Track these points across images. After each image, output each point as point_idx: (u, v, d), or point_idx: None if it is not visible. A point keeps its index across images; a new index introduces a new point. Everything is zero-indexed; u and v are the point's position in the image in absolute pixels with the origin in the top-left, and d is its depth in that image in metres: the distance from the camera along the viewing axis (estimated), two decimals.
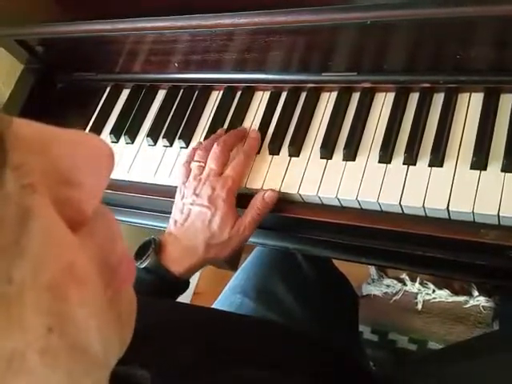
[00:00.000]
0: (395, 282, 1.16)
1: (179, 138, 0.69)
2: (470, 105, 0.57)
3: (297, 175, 0.61)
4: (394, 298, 1.16)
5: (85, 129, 0.75)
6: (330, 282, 0.82)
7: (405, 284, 1.15)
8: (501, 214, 0.50)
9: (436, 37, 0.56)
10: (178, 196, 0.62)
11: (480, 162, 0.53)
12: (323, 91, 0.65)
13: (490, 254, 0.53)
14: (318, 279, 0.80)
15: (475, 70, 0.56)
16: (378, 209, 0.57)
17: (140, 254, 0.59)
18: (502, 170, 0.52)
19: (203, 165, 0.62)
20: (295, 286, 0.78)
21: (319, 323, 0.75)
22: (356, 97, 0.63)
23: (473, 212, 0.51)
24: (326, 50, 0.61)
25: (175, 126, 0.71)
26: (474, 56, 0.55)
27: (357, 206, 0.58)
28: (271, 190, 0.60)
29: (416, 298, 1.13)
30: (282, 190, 0.61)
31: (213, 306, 0.81)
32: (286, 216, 0.63)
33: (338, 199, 0.59)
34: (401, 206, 0.55)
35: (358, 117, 0.61)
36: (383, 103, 0.61)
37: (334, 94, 0.64)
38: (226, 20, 0.60)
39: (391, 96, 0.61)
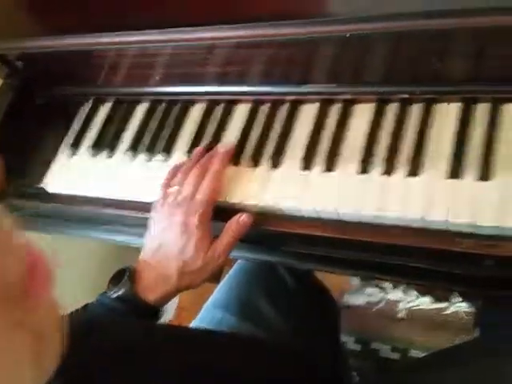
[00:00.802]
0: (377, 290, 1.17)
1: (160, 152, 0.70)
2: (448, 114, 0.58)
3: (278, 188, 0.62)
4: (377, 307, 1.17)
5: (62, 142, 0.75)
6: (312, 294, 0.82)
7: (387, 292, 1.16)
8: (476, 223, 0.51)
9: (413, 48, 0.57)
10: (151, 221, 0.62)
11: (456, 170, 0.54)
12: (304, 103, 0.66)
13: (467, 262, 0.54)
14: (301, 292, 0.80)
15: (452, 80, 0.57)
16: (357, 220, 0.58)
17: (114, 282, 0.59)
18: (477, 179, 0.53)
19: (180, 189, 0.62)
20: (277, 299, 0.79)
21: (301, 336, 0.75)
22: (336, 108, 0.64)
23: (447, 221, 0.53)
24: (306, 63, 0.62)
25: (156, 141, 0.71)
26: (450, 67, 0.57)
27: (336, 217, 0.59)
28: (246, 213, 0.60)
29: (398, 306, 1.15)
30: (262, 204, 0.61)
31: (194, 322, 0.81)
32: (267, 229, 0.63)
33: (318, 211, 0.59)
34: (379, 216, 0.56)
35: (339, 128, 0.62)
36: (363, 114, 0.62)
37: (315, 106, 0.65)
38: (208, 34, 0.61)
39: (371, 107, 0.62)
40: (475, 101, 0.57)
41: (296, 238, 0.63)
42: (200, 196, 0.60)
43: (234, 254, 0.75)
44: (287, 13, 0.56)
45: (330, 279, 1.03)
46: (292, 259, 0.69)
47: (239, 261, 0.87)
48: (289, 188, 0.61)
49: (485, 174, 0.53)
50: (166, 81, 0.70)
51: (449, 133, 0.57)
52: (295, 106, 0.66)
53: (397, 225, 0.56)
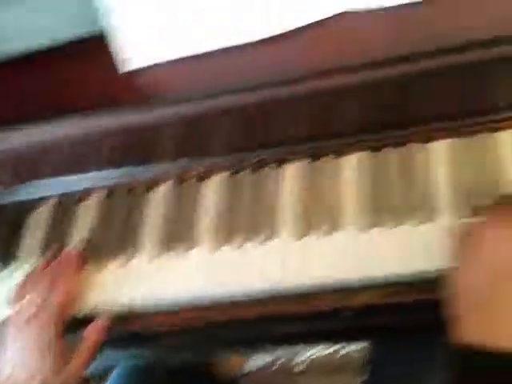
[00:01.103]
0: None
1: None
2: (296, 174, 0.60)
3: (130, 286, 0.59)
4: (275, 366, 1.15)
5: None
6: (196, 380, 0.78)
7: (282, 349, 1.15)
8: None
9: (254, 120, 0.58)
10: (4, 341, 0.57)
11: (303, 229, 0.56)
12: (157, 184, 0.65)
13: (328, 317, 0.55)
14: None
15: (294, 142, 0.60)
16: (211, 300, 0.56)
17: None
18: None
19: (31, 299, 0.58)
20: None
21: None
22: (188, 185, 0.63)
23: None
24: (150, 145, 0.62)
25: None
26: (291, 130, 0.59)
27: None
28: (98, 321, 0.57)
29: (295, 360, 1.14)
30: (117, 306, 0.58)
31: None
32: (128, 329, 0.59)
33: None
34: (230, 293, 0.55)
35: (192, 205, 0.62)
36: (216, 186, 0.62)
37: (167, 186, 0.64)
38: None
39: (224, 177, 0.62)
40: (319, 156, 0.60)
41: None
42: (53, 300, 0.57)
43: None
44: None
45: None
46: (161, 353, 0.66)
47: (114, 371, 0.81)
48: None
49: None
50: None
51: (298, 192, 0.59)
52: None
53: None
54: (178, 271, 0.58)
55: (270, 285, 0.54)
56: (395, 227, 0.53)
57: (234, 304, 0.55)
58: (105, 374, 0.81)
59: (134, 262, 0.60)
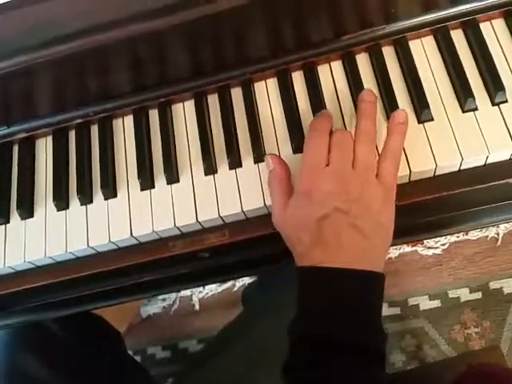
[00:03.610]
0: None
1: None
2: (125, 128, 0.58)
3: None
4: (173, 309, 1.17)
5: None
6: (83, 333, 0.78)
7: (177, 291, 1.17)
8: (178, 225, 0.53)
9: (69, 74, 0.55)
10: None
11: (147, 181, 0.55)
12: None
13: (186, 261, 0.56)
14: (70, 336, 0.75)
15: (118, 95, 0.57)
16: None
17: None
18: (168, 183, 0.55)
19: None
20: (48, 354, 0.72)
21: (82, 382, 0.71)
22: (16, 149, 0.59)
23: (154, 231, 0.53)
24: None
25: None
26: (111, 83, 0.56)
27: (51, 261, 0.56)
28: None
29: (192, 300, 1.17)
30: None
31: None
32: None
33: (30, 261, 0.55)
34: (91, 247, 0.54)
35: (23, 170, 0.58)
36: (45, 149, 0.59)
37: None
38: None
39: (50, 139, 0.59)
40: (146, 109, 0.58)
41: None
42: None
43: None
44: None
45: None
46: (42, 312, 0.65)
47: None
48: None
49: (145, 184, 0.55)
50: None
51: (130, 145, 0.57)
52: None
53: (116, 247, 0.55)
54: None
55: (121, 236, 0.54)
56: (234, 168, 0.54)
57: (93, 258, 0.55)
58: None
59: None
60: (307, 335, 0.45)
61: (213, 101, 0.57)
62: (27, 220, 0.56)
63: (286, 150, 0.53)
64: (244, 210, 0.52)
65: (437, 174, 0.50)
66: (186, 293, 1.17)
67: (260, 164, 0.53)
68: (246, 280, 1.15)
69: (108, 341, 0.80)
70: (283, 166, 0.49)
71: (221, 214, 0.52)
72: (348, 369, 0.43)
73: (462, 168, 0.50)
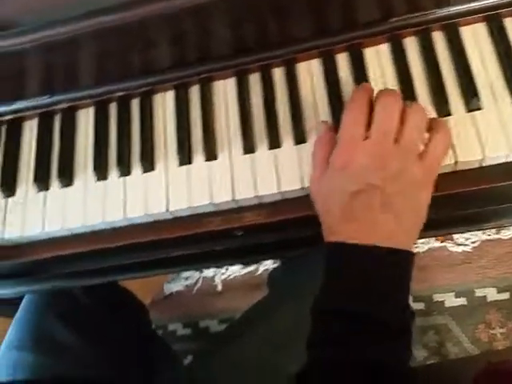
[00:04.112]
0: (192, 272, 1.19)
1: None
2: (166, 103, 0.58)
3: (16, 215, 0.57)
4: (196, 288, 1.18)
5: None
6: (109, 302, 0.79)
7: (201, 271, 1.18)
8: (214, 202, 0.53)
9: (113, 46, 0.55)
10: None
11: (185, 157, 0.55)
12: (23, 121, 0.61)
13: (220, 238, 0.56)
14: (97, 305, 0.77)
15: (160, 70, 0.57)
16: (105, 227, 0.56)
17: None
18: (206, 160, 0.55)
19: None
20: (76, 322, 0.74)
21: (107, 351, 0.72)
22: (58, 119, 0.60)
23: (190, 207, 0.53)
24: (7, 79, 0.57)
25: None
26: (153, 57, 0.56)
27: (88, 230, 0.57)
28: None
29: (215, 281, 1.18)
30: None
31: None
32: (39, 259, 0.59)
33: (68, 229, 0.56)
34: (127, 219, 0.55)
35: (64, 138, 0.59)
36: (86, 120, 0.60)
37: (35, 121, 0.60)
38: None
39: (91, 111, 0.60)
40: (187, 86, 0.58)
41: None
42: None
43: (10, 291, 0.69)
44: None
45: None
46: (73, 280, 0.66)
47: (26, 296, 0.80)
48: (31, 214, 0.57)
49: (184, 160, 0.55)
50: None
51: (170, 120, 0.57)
52: (15, 125, 0.61)
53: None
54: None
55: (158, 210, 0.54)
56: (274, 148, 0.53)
57: (127, 229, 0.56)
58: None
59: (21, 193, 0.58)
60: (331, 310, 0.44)
61: (254, 79, 0.57)
62: (66, 188, 0.57)
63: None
64: (281, 190, 0.51)
65: (482, 165, 0.48)
66: (208, 273, 1.18)
67: (300, 145, 0.52)
68: (270, 264, 1.15)
69: (134, 312, 0.82)
70: (331, 135, 0.47)
71: (257, 194, 0.52)
72: (372, 345, 0.43)
73: (508, 160, 0.48)
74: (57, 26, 0.51)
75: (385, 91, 0.47)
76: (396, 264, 0.44)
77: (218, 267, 1.13)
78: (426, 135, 0.46)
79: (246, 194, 0.52)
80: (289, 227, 0.55)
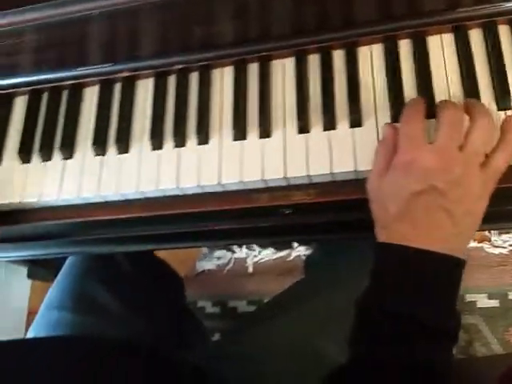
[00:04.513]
0: (224, 252, 1.21)
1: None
2: (224, 79, 0.59)
3: (74, 178, 0.59)
4: (227, 268, 1.20)
5: None
6: (149, 272, 0.82)
7: (234, 252, 1.20)
8: (265, 178, 0.54)
9: (178, 19, 0.56)
10: None
11: (240, 132, 0.56)
12: (84, 87, 0.63)
13: (267, 214, 0.57)
14: (137, 273, 0.79)
15: (221, 45, 0.58)
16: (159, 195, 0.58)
17: None
18: (260, 137, 0.56)
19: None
20: (116, 287, 0.77)
21: (143, 317, 0.75)
22: (118, 87, 0.62)
23: (241, 181, 0.55)
24: (75, 45, 0.59)
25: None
26: (215, 32, 0.57)
27: (140, 196, 0.58)
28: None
29: (246, 263, 1.19)
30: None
31: (31, 328, 0.77)
32: (87, 220, 0.61)
33: (122, 194, 0.58)
34: (179, 188, 0.56)
35: (124, 106, 0.60)
36: (145, 90, 0.61)
37: (96, 88, 0.62)
38: None
39: (151, 81, 0.61)
40: (246, 62, 0.59)
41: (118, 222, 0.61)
42: None
43: (54, 251, 0.72)
44: None
45: (178, 251, 1.03)
46: (118, 245, 0.68)
47: (69, 258, 0.83)
48: (87, 176, 0.59)
49: (265, 132, 0.55)
50: None
51: (228, 96, 0.58)
52: (77, 89, 0.63)
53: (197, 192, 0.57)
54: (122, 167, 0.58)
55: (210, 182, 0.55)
56: (329, 130, 0.54)
57: (176, 199, 0.57)
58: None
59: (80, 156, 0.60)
60: (376, 310, 0.45)
61: (314, 60, 0.57)
62: (123, 155, 0.59)
63: (383, 118, 0.53)
64: (333, 171, 0.52)
65: None
66: (241, 255, 1.20)
67: (355, 129, 0.53)
68: (302, 251, 1.16)
69: (172, 284, 0.84)
70: (395, 137, 0.48)
71: (309, 173, 0.53)
72: (421, 346, 0.43)
73: None
74: None
75: (447, 102, 0.48)
76: (449, 271, 0.45)
77: (260, 244, 1.15)
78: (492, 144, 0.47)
79: (297, 172, 0.53)
80: (336, 210, 0.55)
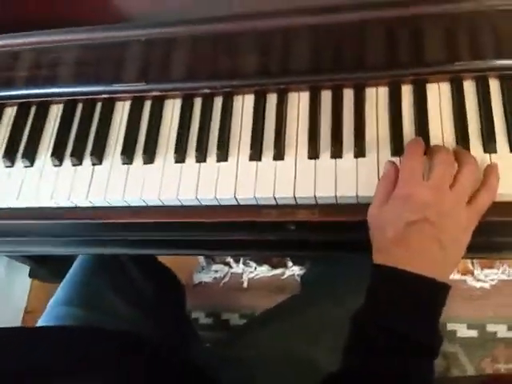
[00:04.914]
0: (222, 266, 1.26)
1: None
2: (244, 105, 0.66)
3: (100, 182, 0.65)
4: (223, 281, 1.26)
5: None
6: (154, 277, 0.87)
7: (230, 267, 1.26)
8: (276, 196, 0.61)
9: (207, 51, 0.64)
10: None
11: (256, 153, 0.63)
12: (117, 101, 0.70)
13: (274, 229, 0.64)
14: (143, 276, 0.85)
15: (244, 76, 0.65)
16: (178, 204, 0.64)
17: None
18: (274, 159, 0.62)
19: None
20: (121, 286, 0.82)
21: (148, 318, 0.80)
22: (148, 104, 0.69)
23: (254, 197, 0.61)
24: (113, 64, 0.66)
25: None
26: (240, 64, 0.65)
27: (159, 204, 0.65)
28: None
29: (242, 278, 1.25)
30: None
31: (38, 323, 0.81)
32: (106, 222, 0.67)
33: (144, 200, 0.64)
34: (198, 199, 0.63)
35: (152, 123, 0.67)
36: (172, 109, 0.68)
37: (128, 104, 0.69)
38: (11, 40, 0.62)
39: (178, 102, 0.68)
40: (265, 92, 0.66)
41: (134, 226, 0.67)
42: None
43: (69, 250, 0.77)
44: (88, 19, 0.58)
45: (179, 261, 1.09)
46: (130, 248, 0.74)
47: (78, 257, 0.88)
48: (113, 182, 0.65)
49: (278, 154, 0.62)
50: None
51: (247, 121, 0.65)
52: (109, 103, 0.69)
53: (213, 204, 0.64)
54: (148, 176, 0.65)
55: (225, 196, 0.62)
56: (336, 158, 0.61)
57: (192, 209, 0.63)
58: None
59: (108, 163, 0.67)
60: (372, 325, 0.50)
61: (326, 96, 0.65)
62: (148, 165, 0.65)
63: (384, 151, 0.60)
64: (337, 195, 0.59)
65: None
66: (237, 270, 1.26)
67: (359, 159, 0.60)
68: (296, 270, 1.22)
69: (175, 288, 0.89)
70: (396, 173, 0.55)
71: (315, 194, 0.59)
72: (403, 360, 0.49)
73: None
74: (161, 26, 0.60)
75: (441, 147, 0.55)
76: (437, 293, 0.51)
77: (263, 256, 1.20)
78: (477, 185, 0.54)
79: (305, 193, 0.60)
80: (336, 229, 0.62)
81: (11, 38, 0.62)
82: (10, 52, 0.64)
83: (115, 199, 0.65)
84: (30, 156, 0.69)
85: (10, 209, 0.67)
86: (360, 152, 0.60)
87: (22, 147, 0.70)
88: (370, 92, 0.63)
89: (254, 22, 0.58)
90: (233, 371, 0.71)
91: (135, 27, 0.59)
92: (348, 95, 0.64)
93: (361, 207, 0.57)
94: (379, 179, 0.57)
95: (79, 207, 0.67)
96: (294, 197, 0.60)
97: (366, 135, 0.61)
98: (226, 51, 0.63)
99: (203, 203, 0.63)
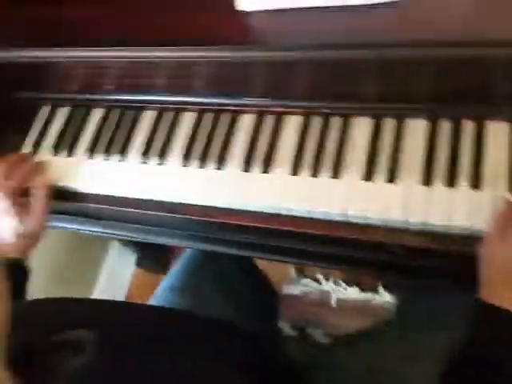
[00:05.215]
0: (311, 281, 1.29)
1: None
2: (361, 128, 0.69)
3: (219, 185, 0.71)
4: (311, 297, 1.28)
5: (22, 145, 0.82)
6: (253, 281, 0.92)
7: (320, 283, 1.28)
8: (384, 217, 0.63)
9: (328, 76, 0.68)
10: None
11: (367, 174, 0.65)
12: (242, 113, 0.75)
13: (374, 249, 0.66)
14: (243, 279, 0.89)
15: (362, 100, 0.68)
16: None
17: None
18: (386, 181, 0.65)
19: None
20: (223, 284, 0.87)
21: (242, 315, 0.84)
22: (270, 119, 0.74)
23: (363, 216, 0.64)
24: (243, 80, 0.72)
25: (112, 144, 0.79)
26: (358, 90, 0.68)
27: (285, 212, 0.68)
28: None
29: (330, 296, 1.26)
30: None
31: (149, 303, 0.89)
32: (210, 221, 0.73)
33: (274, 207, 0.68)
34: (308, 211, 0.66)
35: (273, 135, 0.72)
36: (292, 125, 0.72)
37: (252, 116, 0.75)
38: (152, 53, 0.69)
39: (299, 119, 0.72)
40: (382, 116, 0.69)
41: (238, 229, 0.72)
42: None
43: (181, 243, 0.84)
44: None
45: (271, 271, 1.13)
46: (234, 248, 0.79)
47: (186, 251, 0.95)
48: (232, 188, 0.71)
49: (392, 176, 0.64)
50: (120, 89, 0.78)
51: (363, 143, 0.68)
52: (236, 115, 0.75)
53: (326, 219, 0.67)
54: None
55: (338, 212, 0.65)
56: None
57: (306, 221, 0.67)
58: None
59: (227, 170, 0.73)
60: (483, 358, 0.52)
61: (445, 126, 0.66)
62: (264, 174, 0.70)
63: (501, 187, 0.60)
64: (450, 224, 0.60)
65: None
66: (325, 287, 1.27)
67: (475, 191, 0.61)
68: (387, 297, 1.21)
69: (270, 296, 0.93)
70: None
71: (428, 221, 0.61)
72: None
73: None
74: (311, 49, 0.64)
75: None
76: None
77: (347, 283, 1.22)
78: None
79: (417, 218, 0.61)
80: (445, 259, 0.62)
81: (158, 51, 0.70)
82: (153, 62, 0.72)
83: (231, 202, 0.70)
84: (162, 155, 0.76)
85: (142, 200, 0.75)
86: (477, 185, 0.61)
87: (156, 147, 0.77)
88: (492, 129, 0.64)
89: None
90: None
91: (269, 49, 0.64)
92: (467, 129, 0.65)
93: (470, 239, 0.58)
94: (494, 214, 0.57)
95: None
96: (406, 221, 0.62)
97: (485, 170, 0.61)
98: (344, 77, 0.66)
99: (313, 216, 0.67)
